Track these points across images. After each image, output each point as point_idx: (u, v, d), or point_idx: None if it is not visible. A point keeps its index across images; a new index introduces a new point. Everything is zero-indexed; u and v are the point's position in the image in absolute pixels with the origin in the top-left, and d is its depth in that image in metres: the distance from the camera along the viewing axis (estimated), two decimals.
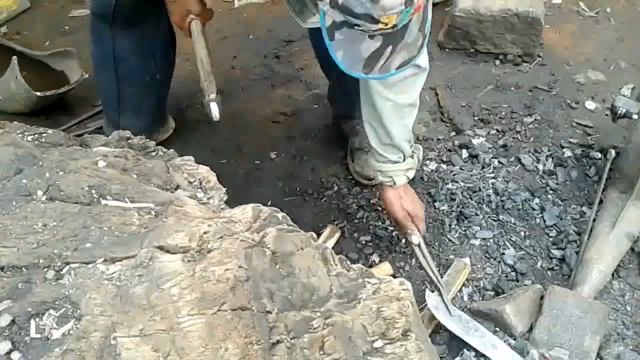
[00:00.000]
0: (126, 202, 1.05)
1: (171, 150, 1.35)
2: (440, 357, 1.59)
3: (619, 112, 1.85)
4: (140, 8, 1.74)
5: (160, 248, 0.90)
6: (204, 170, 1.21)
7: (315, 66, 2.51)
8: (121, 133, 1.31)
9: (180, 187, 1.15)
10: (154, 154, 1.28)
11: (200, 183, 1.18)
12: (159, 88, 2.01)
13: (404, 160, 1.63)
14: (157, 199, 1.06)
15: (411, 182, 2.01)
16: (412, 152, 1.66)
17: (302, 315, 0.87)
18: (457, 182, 2.00)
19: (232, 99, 2.38)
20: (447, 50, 2.51)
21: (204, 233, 0.92)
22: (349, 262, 1.05)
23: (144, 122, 1.98)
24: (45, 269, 0.92)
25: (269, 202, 1.99)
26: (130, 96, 1.92)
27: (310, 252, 0.98)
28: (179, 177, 1.18)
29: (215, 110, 1.60)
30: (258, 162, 2.13)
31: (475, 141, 2.14)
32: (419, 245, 1.69)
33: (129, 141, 1.29)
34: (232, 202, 1.99)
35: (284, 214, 1.07)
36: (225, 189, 2.02)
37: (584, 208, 1.92)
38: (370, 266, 1.81)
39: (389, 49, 1.12)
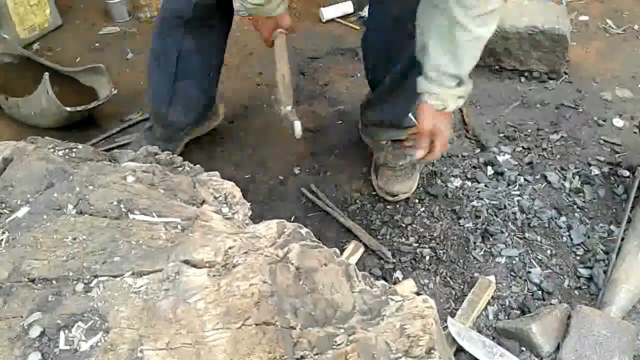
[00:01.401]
0: (153, 216, 1.06)
1: (197, 165, 1.36)
2: None
3: None
4: (216, 11, 1.82)
5: (187, 262, 0.91)
6: (229, 186, 1.22)
7: (339, 82, 2.54)
8: (149, 148, 1.33)
9: (206, 202, 1.16)
10: (180, 169, 1.30)
11: (226, 198, 1.19)
12: (211, 86, 2.08)
13: (459, 86, 1.57)
14: (183, 214, 1.07)
15: (435, 198, 2.01)
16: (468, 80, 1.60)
17: (326, 332, 0.87)
18: (482, 199, 1.98)
19: (257, 115, 2.40)
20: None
21: (229, 248, 0.93)
22: (372, 279, 1.05)
23: (192, 118, 2.07)
24: (75, 282, 0.93)
25: (292, 218, 2.00)
26: (185, 93, 1.97)
27: (334, 268, 0.99)
28: (204, 192, 1.19)
29: (298, 128, 1.74)
30: (282, 177, 2.15)
31: (500, 158, 2.12)
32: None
33: (156, 156, 1.32)
34: (255, 218, 2.00)
35: (307, 229, 1.07)
36: (249, 203, 2.04)
37: (611, 227, 1.89)
38: (394, 283, 1.81)
39: None
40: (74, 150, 1.30)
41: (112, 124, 2.36)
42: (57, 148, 1.28)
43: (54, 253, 0.98)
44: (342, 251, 1.88)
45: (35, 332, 0.87)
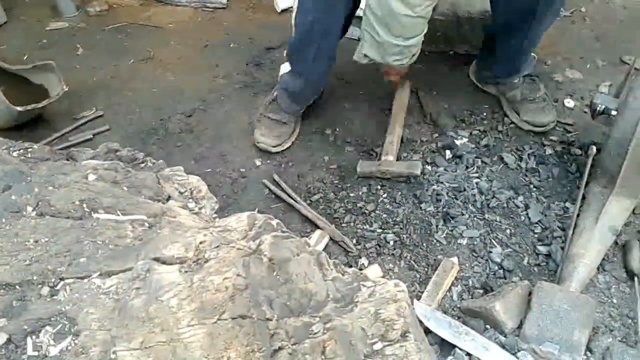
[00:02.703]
0: (118, 214, 1.05)
1: (160, 161, 1.34)
2: None
3: (598, 109, 1.89)
4: None
5: (157, 260, 0.90)
6: (194, 180, 1.21)
7: None
8: (109, 145, 1.31)
9: (171, 197, 1.15)
10: (143, 165, 1.28)
11: (192, 193, 1.18)
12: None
13: None
14: (149, 211, 1.06)
15: (397, 184, 2.04)
16: None
17: (302, 321, 0.88)
18: (442, 182, 2.02)
19: (214, 108, 2.38)
20: (427, 53, 2.53)
21: (200, 243, 0.92)
22: (343, 266, 1.06)
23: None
24: (40, 286, 0.91)
25: (256, 210, 1.99)
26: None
27: (306, 257, 0.99)
28: (169, 187, 1.18)
29: (419, 167, 2.01)
30: (243, 169, 2.13)
31: (458, 142, 2.16)
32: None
33: (117, 153, 1.29)
34: (220, 211, 1.99)
35: (278, 220, 1.07)
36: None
37: (567, 204, 1.95)
38: (360, 269, 1.83)
39: None
40: (30, 150, 1.26)
41: (65, 122, 2.30)
42: (11, 149, 1.24)
43: (16, 257, 0.95)
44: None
45: (0, 340, 0.84)
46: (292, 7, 2.90)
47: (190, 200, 1.15)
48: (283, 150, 2.19)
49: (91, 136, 2.23)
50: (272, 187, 2.06)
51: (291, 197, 2.02)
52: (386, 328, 0.90)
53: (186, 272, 0.87)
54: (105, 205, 1.04)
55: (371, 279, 1.07)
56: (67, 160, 1.30)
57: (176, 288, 0.85)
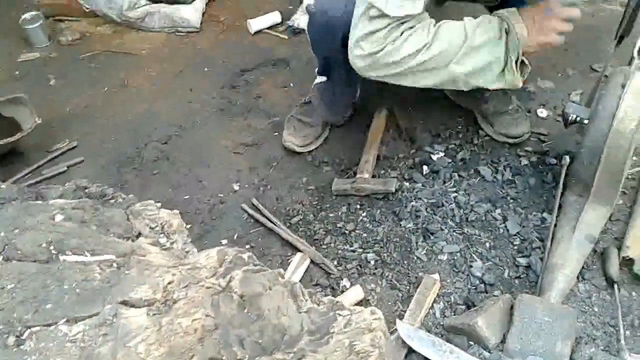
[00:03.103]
0: (86, 255, 1.03)
1: (131, 195, 1.33)
2: None
3: (570, 118, 1.91)
4: None
5: (124, 303, 0.89)
6: (165, 214, 1.20)
7: (272, 94, 2.53)
8: (78, 182, 1.29)
9: (141, 234, 1.13)
10: (112, 201, 1.27)
11: (162, 228, 1.16)
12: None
13: None
14: (118, 250, 1.04)
15: (376, 202, 2.04)
16: None
17: (275, 359, 0.87)
18: (420, 198, 2.02)
19: (191, 133, 2.37)
20: None
21: (169, 283, 0.91)
22: (319, 296, 1.05)
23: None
24: (6, 335, 0.89)
25: (235, 236, 1.98)
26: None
27: (279, 290, 0.98)
28: (139, 223, 1.16)
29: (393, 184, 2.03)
30: (221, 195, 2.12)
31: (435, 157, 2.17)
32: None
33: (86, 190, 1.28)
34: (197, 240, 1.98)
35: (249, 253, 1.06)
36: (190, 225, 2.00)
37: (544, 214, 1.96)
38: (342, 291, 1.82)
39: None
40: None
41: (39, 154, 2.28)
42: None
43: None
44: (287, 265, 1.88)
45: None
46: (265, 28, 2.92)
47: (162, 235, 1.14)
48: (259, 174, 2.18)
49: (65, 168, 2.21)
50: (251, 212, 2.05)
51: (270, 221, 2.01)
52: None
53: (154, 314, 0.86)
54: (72, 246, 1.02)
55: (347, 307, 1.06)
56: (36, 198, 1.28)
57: (144, 332, 0.83)
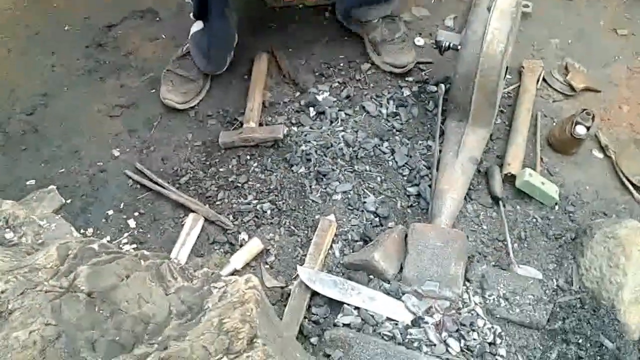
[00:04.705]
0: None
1: None
2: (324, 318, 1.62)
3: (444, 45, 1.94)
4: None
5: None
6: (8, 206, 1.07)
7: (144, 48, 2.37)
8: None
9: None
10: None
11: (7, 222, 1.04)
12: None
13: None
14: None
15: (266, 150, 1.99)
16: None
17: (135, 355, 0.81)
18: (309, 142, 2.00)
19: (58, 101, 2.18)
20: (276, 10, 2.46)
21: (2, 292, 0.81)
22: (191, 271, 0.99)
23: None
24: None
25: (122, 204, 1.88)
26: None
27: (140, 276, 0.90)
28: None
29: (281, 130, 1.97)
30: (101, 163, 1.99)
31: (320, 97, 2.14)
32: None
33: None
34: (79, 214, 1.86)
35: (102, 241, 0.97)
36: (70, 200, 1.87)
37: (429, 142, 2.01)
38: (241, 245, 1.79)
39: None
40: None
41: None
42: None
43: None
44: (181, 227, 1.82)
45: None
46: None
47: (7, 230, 1.02)
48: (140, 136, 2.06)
49: None
50: (136, 177, 1.94)
51: (158, 184, 1.92)
52: (230, 339, 0.85)
53: None
54: None
55: (223, 277, 1.01)
56: None
57: None
